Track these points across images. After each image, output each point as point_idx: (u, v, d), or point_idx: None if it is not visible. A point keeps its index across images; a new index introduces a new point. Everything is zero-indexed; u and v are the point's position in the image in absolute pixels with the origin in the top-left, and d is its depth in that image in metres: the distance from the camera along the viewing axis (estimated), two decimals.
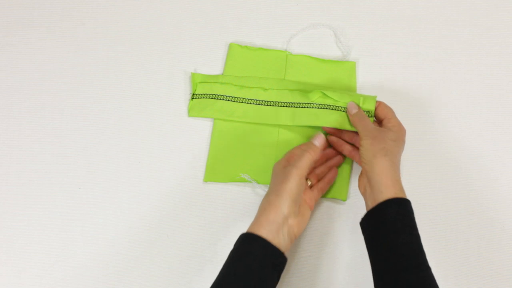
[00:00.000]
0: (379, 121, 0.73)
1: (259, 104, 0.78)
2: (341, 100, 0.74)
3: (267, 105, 0.77)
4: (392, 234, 0.61)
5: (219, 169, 0.77)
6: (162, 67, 0.82)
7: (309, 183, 0.72)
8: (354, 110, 0.72)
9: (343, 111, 0.74)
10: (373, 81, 0.81)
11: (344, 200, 0.76)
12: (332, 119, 0.74)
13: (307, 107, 0.76)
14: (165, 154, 0.78)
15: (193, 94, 0.79)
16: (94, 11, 0.83)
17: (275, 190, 0.65)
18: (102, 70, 0.82)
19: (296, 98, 0.77)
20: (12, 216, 0.76)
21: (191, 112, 0.78)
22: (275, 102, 0.77)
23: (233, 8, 0.83)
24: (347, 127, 0.73)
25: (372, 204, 0.64)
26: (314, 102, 0.75)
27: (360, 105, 0.73)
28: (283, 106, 0.77)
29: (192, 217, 0.76)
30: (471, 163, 0.78)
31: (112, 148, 0.78)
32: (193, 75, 0.79)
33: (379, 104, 0.73)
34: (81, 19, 0.83)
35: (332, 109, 0.74)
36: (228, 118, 0.77)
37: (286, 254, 0.64)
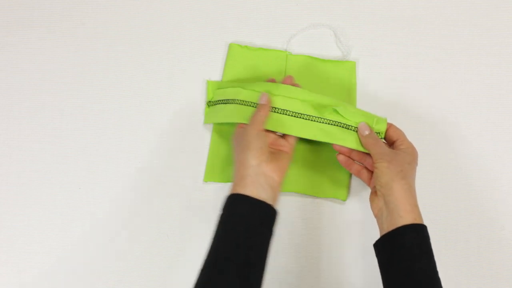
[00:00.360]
0: (390, 143, 0.71)
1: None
2: (352, 119, 0.71)
3: (274, 111, 0.72)
4: (409, 260, 0.61)
5: (219, 169, 0.77)
6: (162, 67, 0.82)
7: (278, 134, 0.73)
8: (366, 132, 0.70)
9: (354, 131, 0.71)
10: (373, 81, 0.81)
11: (344, 200, 0.76)
12: (343, 138, 0.71)
13: (317, 121, 0.72)
14: (165, 154, 0.78)
15: (209, 101, 0.78)
16: (94, 11, 0.83)
17: (239, 150, 0.67)
18: (102, 70, 0.82)
19: (307, 110, 0.72)
20: (12, 216, 0.76)
21: (206, 119, 0.78)
22: (283, 110, 0.72)
23: (233, 8, 0.83)
24: (358, 147, 0.71)
25: (388, 228, 0.64)
26: (325, 117, 0.72)
27: (373, 125, 0.71)
28: (291, 116, 0.73)
29: (192, 217, 0.76)
30: (471, 163, 0.78)
31: (112, 148, 0.78)
32: (209, 83, 0.79)
33: (390, 125, 0.71)
34: (81, 19, 0.83)
35: (343, 127, 0.72)
36: (237, 120, 0.73)
37: (275, 206, 0.64)
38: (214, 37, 0.82)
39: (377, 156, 0.67)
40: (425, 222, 0.75)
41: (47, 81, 0.81)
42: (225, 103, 0.76)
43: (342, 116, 0.71)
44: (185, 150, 0.78)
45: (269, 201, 0.64)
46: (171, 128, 0.79)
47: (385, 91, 0.80)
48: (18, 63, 0.81)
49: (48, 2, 0.83)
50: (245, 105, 0.74)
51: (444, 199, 0.77)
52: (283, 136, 0.72)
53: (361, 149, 0.71)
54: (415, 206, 0.64)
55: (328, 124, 0.72)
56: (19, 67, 0.81)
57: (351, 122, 0.71)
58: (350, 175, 0.77)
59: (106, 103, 0.80)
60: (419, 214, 0.64)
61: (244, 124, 0.70)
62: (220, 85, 0.79)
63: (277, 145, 0.71)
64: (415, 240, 0.62)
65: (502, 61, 0.81)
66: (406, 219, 0.63)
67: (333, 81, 0.80)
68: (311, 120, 0.72)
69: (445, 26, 0.83)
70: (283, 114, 0.72)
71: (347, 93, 0.80)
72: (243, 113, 0.73)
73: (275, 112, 0.72)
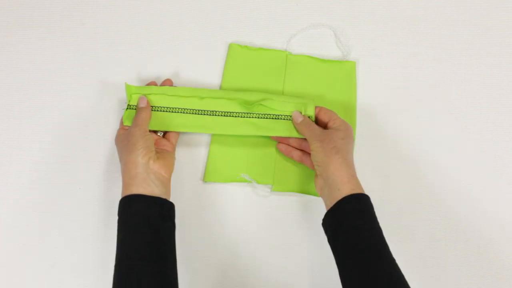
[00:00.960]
0: (323, 125, 0.74)
1: (195, 114, 0.76)
2: (281, 109, 0.75)
3: (204, 114, 0.76)
4: (352, 230, 0.62)
5: (219, 169, 0.77)
6: (162, 67, 0.82)
7: (160, 134, 0.76)
8: (299, 119, 0.73)
9: (284, 119, 0.75)
10: (373, 81, 0.81)
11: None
12: (275, 128, 0.75)
13: (247, 117, 0.75)
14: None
15: (128, 104, 0.76)
16: (94, 11, 0.83)
17: (125, 151, 0.68)
18: (102, 70, 0.82)
19: (235, 107, 0.76)
20: (12, 216, 0.76)
21: (126, 121, 0.76)
22: (212, 111, 0.76)
23: (233, 8, 0.83)
24: (291, 134, 0.74)
25: (331, 203, 0.65)
26: (253, 112, 0.75)
27: (303, 112, 0.74)
28: (221, 116, 0.76)
29: (192, 217, 0.76)
30: (471, 163, 0.78)
31: (112, 148, 0.78)
32: (127, 86, 0.76)
33: (320, 109, 0.74)
34: (81, 19, 0.83)
35: (273, 118, 0.75)
36: (166, 128, 0.76)
37: (170, 199, 0.68)
38: (214, 37, 0.82)
39: (311, 138, 0.70)
40: (425, 222, 0.76)
41: (47, 81, 0.81)
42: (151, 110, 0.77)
43: (270, 108, 0.75)
44: (185, 150, 0.78)
45: (163, 196, 0.67)
46: None
47: (385, 91, 0.80)
48: (18, 63, 0.81)
49: (48, 2, 0.83)
50: (171, 111, 0.76)
51: (444, 199, 0.76)
52: (165, 136, 0.76)
53: (295, 135, 0.74)
54: (352, 177, 0.66)
55: (259, 118, 0.75)
56: (19, 67, 0.81)
57: (281, 112, 0.75)
58: None
59: (106, 103, 0.80)
60: (357, 184, 0.66)
61: (127, 126, 0.73)
62: (138, 90, 0.76)
63: (160, 145, 0.74)
64: (356, 210, 0.63)
65: (502, 61, 0.81)
66: (344, 191, 0.64)
67: (333, 81, 0.80)
68: (241, 117, 0.75)
69: (445, 26, 0.83)
70: (212, 115, 0.76)
71: (347, 93, 0.80)
72: (169, 120, 0.76)
73: (204, 114, 0.76)
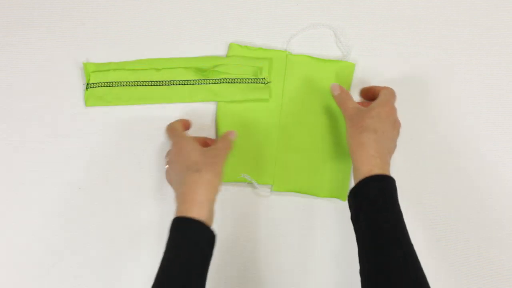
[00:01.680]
0: (371, 98, 0.73)
1: (153, 85, 0.78)
2: (234, 72, 0.77)
3: (162, 85, 0.78)
4: (373, 212, 0.62)
5: (227, 168, 0.77)
6: None
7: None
8: (336, 92, 0.73)
9: (241, 82, 0.77)
10: (373, 81, 0.81)
11: (344, 200, 0.76)
12: (231, 92, 0.77)
13: (203, 83, 0.77)
14: (165, 154, 0.78)
15: (87, 84, 0.78)
16: (94, 11, 0.83)
17: (211, 169, 0.65)
18: None
19: (191, 75, 0.77)
20: (12, 216, 0.76)
21: (88, 102, 0.78)
22: (170, 81, 0.78)
23: (233, 8, 0.83)
24: (247, 97, 0.77)
25: (354, 183, 0.65)
26: (210, 78, 0.77)
27: (258, 75, 0.77)
28: (179, 85, 0.78)
29: None
30: (471, 163, 0.78)
31: (113, 148, 0.78)
32: (85, 65, 0.78)
33: (384, 87, 0.73)
34: (81, 19, 0.82)
35: (228, 82, 0.77)
36: (126, 103, 0.78)
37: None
38: (214, 37, 0.82)
39: (344, 115, 0.70)
40: (425, 222, 0.76)
41: (47, 81, 0.81)
42: (110, 86, 0.78)
43: (225, 72, 0.77)
44: None
45: (211, 222, 0.65)
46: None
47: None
48: (18, 63, 0.81)
49: (48, 2, 0.83)
50: (130, 85, 0.78)
51: (444, 199, 0.77)
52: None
53: (252, 98, 0.77)
54: (372, 157, 0.64)
55: (216, 83, 0.77)
56: (19, 67, 0.81)
57: (236, 75, 0.77)
58: (350, 174, 0.77)
59: None
60: (379, 165, 0.64)
61: (201, 138, 0.73)
62: (97, 67, 0.79)
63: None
64: (378, 191, 0.62)
65: (502, 61, 0.81)
66: (363, 171, 0.64)
67: (332, 81, 0.80)
68: (199, 84, 0.77)
69: (445, 26, 0.83)
70: (170, 85, 0.77)
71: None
72: (130, 94, 0.78)
73: (162, 85, 0.77)
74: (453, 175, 0.77)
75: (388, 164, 0.66)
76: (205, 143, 0.75)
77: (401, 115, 0.73)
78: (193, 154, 0.66)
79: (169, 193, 0.77)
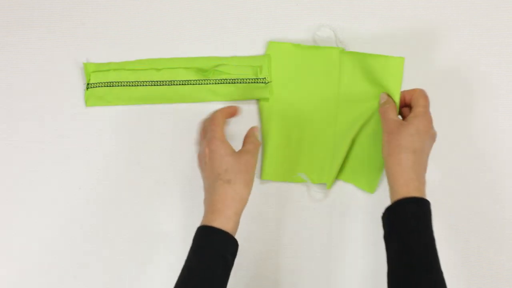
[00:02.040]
0: (410, 108, 0.70)
1: (154, 85, 0.78)
2: (234, 72, 0.77)
3: (162, 85, 0.78)
4: (405, 233, 0.61)
5: (276, 166, 0.76)
6: None
7: None
8: (382, 100, 0.71)
9: (239, 83, 0.77)
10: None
11: (372, 193, 0.76)
12: (231, 93, 0.77)
13: (204, 84, 0.77)
14: (165, 154, 0.78)
15: (88, 84, 0.78)
16: (94, 11, 0.83)
17: (242, 180, 0.64)
18: None
19: (191, 75, 0.78)
20: (12, 216, 0.76)
21: (88, 102, 0.78)
22: (170, 81, 0.78)
23: (233, 8, 0.83)
24: (248, 97, 0.77)
25: (390, 201, 0.64)
26: (210, 78, 0.77)
27: (258, 74, 0.76)
28: (179, 85, 0.78)
29: (193, 218, 0.76)
30: (471, 163, 0.78)
31: (113, 148, 0.78)
32: (85, 65, 0.78)
33: (414, 91, 0.70)
34: (81, 19, 0.82)
35: (229, 82, 0.77)
36: (126, 103, 0.78)
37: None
38: (214, 37, 0.82)
39: (383, 127, 0.68)
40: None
41: (47, 81, 0.81)
42: (110, 86, 0.78)
43: (226, 73, 0.77)
44: (185, 150, 0.78)
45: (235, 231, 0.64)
46: (171, 128, 0.79)
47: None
48: (18, 63, 0.81)
49: (48, 2, 0.83)
50: (130, 86, 0.78)
51: (444, 199, 0.76)
52: None
53: (252, 98, 0.77)
54: (411, 180, 0.63)
55: (216, 84, 0.77)
56: (19, 67, 0.81)
57: (237, 75, 0.77)
58: (383, 168, 0.75)
59: None
60: (416, 188, 0.63)
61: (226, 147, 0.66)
62: (97, 67, 0.79)
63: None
64: (412, 214, 0.61)
65: (502, 61, 0.81)
66: (399, 193, 0.62)
67: (384, 77, 0.74)
68: (199, 84, 0.77)
69: (445, 26, 0.83)
70: (170, 85, 0.77)
71: (391, 90, 0.74)
72: (130, 94, 0.78)
73: (162, 85, 0.77)
74: (453, 175, 0.77)
75: (424, 184, 0.64)
76: None
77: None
78: (225, 160, 0.65)
79: (169, 193, 0.77)
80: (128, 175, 0.78)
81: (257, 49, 0.81)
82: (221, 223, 0.62)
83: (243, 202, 0.65)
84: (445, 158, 0.78)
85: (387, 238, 0.63)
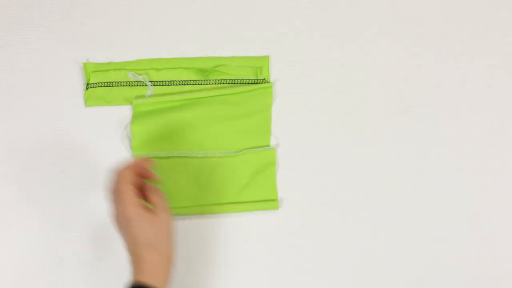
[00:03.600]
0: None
1: (154, 85, 0.78)
2: (234, 73, 0.77)
3: (162, 85, 0.78)
4: None
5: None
6: None
7: None
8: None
9: (240, 83, 0.78)
10: (372, 81, 0.81)
11: (277, 209, 0.75)
12: (229, 93, 0.77)
13: (204, 84, 0.78)
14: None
15: (87, 84, 0.79)
16: (94, 11, 0.83)
17: (168, 246, 0.62)
18: None
19: (191, 76, 0.78)
20: (12, 216, 0.76)
21: (88, 102, 0.78)
22: (170, 81, 0.78)
23: (232, 8, 0.83)
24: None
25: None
26: (209, 78, 0.77)
27: (258, 75, 0.77)
28: (179, 85, 0.78)
29: (193, 218, 0.76)
30: (471, 163, 0.78)
31: (113, 148, 0.78)
32: (85, 65, 0.79)
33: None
34: (81, 19, 0.83)
35: (228, 83, 0.77)
36: (126, 103, 0.78)
37: None
38: (214, 37, 0.82)
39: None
40: (425, 222, 0.75)
41: (47, 81, 0.81)
42: (110, 86, 0.78)
43: (226, 73, 0.77)
44: None
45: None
46: None
47: (384, 92, 0.80)
48: (18, 63, 0.81)
49: (48, 2, 0.83)
50: (130, 86, 0.78)
51: (444, 199, 0.77)
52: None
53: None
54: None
55: (216, 84, 0.78)
56: (19, 67, 0.81)
57: (237, 76, 0.78)
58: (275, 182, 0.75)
59: None
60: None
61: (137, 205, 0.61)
62: (98, 68, 0.79)
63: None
64: None
65: (502, 61, 0.81)
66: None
67: (254, 103, 0.77)
68: (199, 85, 0.78)
69: (445, 26, 0.83)
70: (170, 85, 0.78)
71: (262, 114, 0.77)
72: (129, 95, 0.78)
73: (162, 85, 0.78)
74: (453, 175, 0.77)
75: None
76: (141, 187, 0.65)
77: (400, 115, 0.73)
78: (146, 230, 0.60)
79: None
80: None
81: (257, 49, 0.81)
82: (153, 280, 0.59)
83: (172, 262, 0.62)
84: (445, 158, 0.78)
85: None
